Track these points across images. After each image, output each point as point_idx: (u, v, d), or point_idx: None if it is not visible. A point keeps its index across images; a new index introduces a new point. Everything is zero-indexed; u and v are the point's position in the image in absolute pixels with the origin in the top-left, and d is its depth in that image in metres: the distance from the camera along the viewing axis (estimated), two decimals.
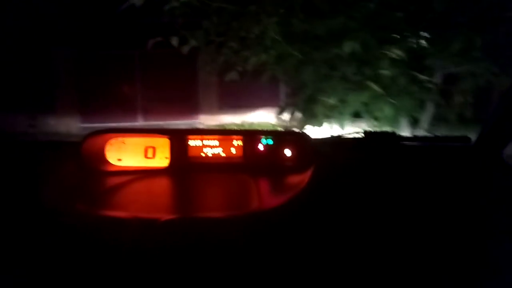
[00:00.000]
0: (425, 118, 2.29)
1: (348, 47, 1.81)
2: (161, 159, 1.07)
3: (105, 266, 0.72)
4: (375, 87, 1.82)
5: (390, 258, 0.81)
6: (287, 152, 1.07)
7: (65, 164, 1.02)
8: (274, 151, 1.07)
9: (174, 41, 2.22)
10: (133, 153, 1.08)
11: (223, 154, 1.09)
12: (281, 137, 1.10)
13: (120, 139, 1.08)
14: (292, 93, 2.66)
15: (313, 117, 2.11)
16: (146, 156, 1.08)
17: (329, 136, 1.17)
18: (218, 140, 1.09)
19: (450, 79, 2.38)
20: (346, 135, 1.17)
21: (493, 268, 0.82)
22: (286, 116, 2.37)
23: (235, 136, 1.09)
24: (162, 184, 1.02)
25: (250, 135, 1.09)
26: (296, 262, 0.78)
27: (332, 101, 2.04)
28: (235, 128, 5.38)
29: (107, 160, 1.07)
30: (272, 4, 1.97)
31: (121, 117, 5.98)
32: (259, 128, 3.21)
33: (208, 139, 1.09)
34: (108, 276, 0.72)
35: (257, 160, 1.07)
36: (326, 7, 1.92)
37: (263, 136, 1.07)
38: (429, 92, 2.11)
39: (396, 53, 1.77)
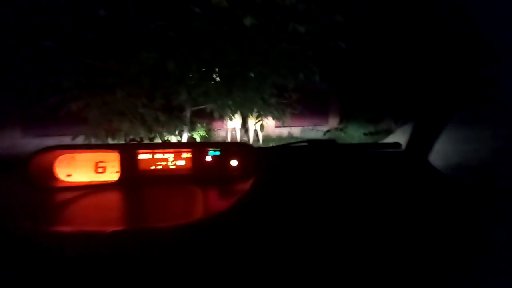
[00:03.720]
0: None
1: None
2: (112, 174, 1.05)
3: (53, 281, 0.71)
4: None
5: (332, 254, 0.83)
6: (233, 162, 1.09)
7: (11, 181, 1.00)
8: (221, 161, 1.09)
9: None
10: (83, 168, 1.05)
11: (172, 167, 1.09)
12: (228, 148, 1.11)
13: (70, 155, 1.05)
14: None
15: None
16: (96, 171, 1.06)
17: (275, 145, 1.26)
18: (168, 153, 1.09)
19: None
20: (292, 144, 1.24)
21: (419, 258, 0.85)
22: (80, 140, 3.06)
23: (184, 149, 1.10)
24: (112, 198, 0.97)
25: (198, 147, 1.11)
26: (242, 263, 0.79)
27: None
28: None
29: (57, 177, 1.03)
30: None
31: None
32: None
33: (158, 153, 1.08)
34: None
35: (205, 170, 1.08)
36: None
37: (211, 148, 1.10)
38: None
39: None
